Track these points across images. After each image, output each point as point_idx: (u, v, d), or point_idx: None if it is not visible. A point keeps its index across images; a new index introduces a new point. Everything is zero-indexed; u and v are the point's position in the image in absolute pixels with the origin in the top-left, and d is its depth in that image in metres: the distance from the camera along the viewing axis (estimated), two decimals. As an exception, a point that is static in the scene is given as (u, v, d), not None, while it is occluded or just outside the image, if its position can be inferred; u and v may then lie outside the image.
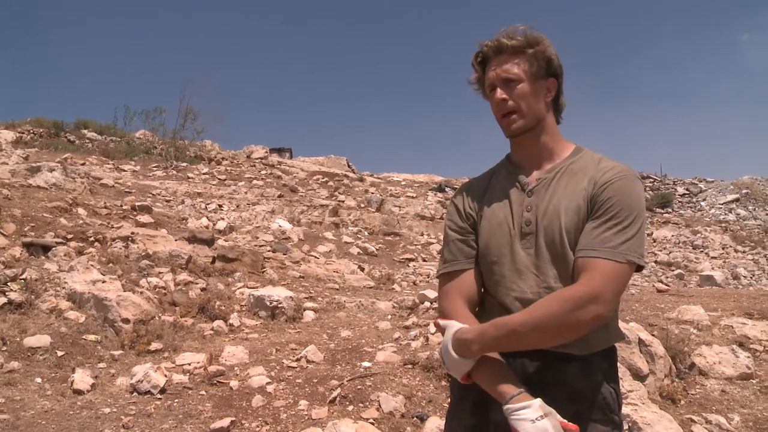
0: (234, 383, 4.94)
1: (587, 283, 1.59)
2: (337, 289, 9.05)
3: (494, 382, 1.64)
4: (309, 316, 7.18)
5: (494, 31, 1.80)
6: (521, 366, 1.72)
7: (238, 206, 15.30)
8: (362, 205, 18.04)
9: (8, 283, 6.09)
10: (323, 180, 21.65)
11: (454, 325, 1.73)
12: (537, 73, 1.76)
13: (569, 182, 1.75)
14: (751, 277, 14.01)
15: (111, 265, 7.30)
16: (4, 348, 5.17)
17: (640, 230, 1.66)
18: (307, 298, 7.97)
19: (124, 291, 6.32)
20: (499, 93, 1.75)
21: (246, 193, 17.13)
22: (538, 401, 1.56)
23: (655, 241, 18.57)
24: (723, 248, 17.78)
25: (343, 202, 18.02)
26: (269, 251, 10.72)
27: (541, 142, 1.82)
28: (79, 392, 4.70)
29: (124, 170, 17.90)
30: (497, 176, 1.91)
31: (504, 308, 1.78)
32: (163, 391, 4.74)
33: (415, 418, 4.30)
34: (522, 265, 1.75)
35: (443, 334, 1.75)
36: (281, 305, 7.04)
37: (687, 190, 27.95)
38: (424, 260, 13.48)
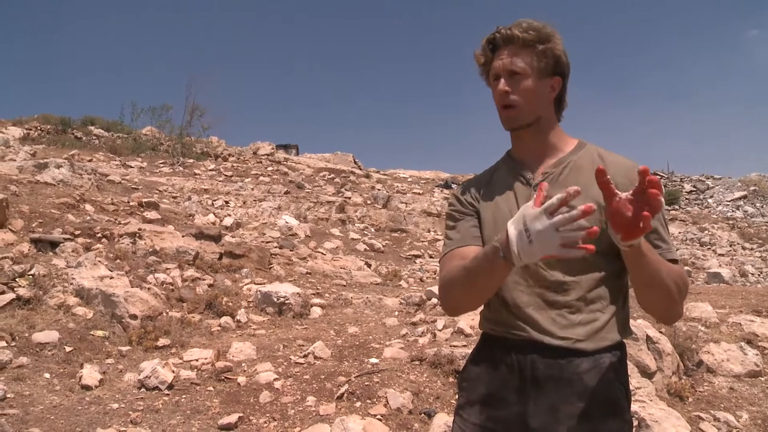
0: (241, 379, 4.95)
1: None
2: (344, 286, 9.06)
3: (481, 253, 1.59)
4: (316, 312, 7.20)
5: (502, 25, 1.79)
6: (531, 363, 1.70)
7: (244, 202, 15.33)
8: (369, 202, 18.03)
9: (16, 279, 6.12)
10: (330, 176, 21.67)
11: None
12: (544, 70, 1.74)
13: (578, 177, 1.73)
14: (759, 275, 13.97)
15: (118, 261, 7.32)
16: (13, 343, 5.20)
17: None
18: (314, 294, 7.98)
19: (132, 287, 6.34)
20: (503, 84, 1.74)
21: (252, 189, 17.16)
22: (513, 221, 1.44)
23: (662, 238, 18.52)
24: (730, 245, 17.74)
25: (350, 198, 18.02)
26: (276, 247, 10.74)
27: (542, 137, 1.81)
28: (87, 388, 4.72)
29: (131, 167, 17.95)
30: (499, 172, 1.90)
31: (506, 304, 1.77)
32: (170, 386, 4.76)
33: (422, 415, 4.30)
34: None
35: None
36: (288, 301, 7.05)
37: (694, 187, 27.87)
38: (430, 257, 13.48)
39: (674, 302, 1.62)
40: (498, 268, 1.53)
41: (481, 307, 1.87)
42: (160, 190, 14.81)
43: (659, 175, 29.79)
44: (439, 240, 15.09)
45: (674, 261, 1.65)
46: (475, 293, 1.70)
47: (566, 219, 1.32)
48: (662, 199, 1.36)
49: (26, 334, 5.36)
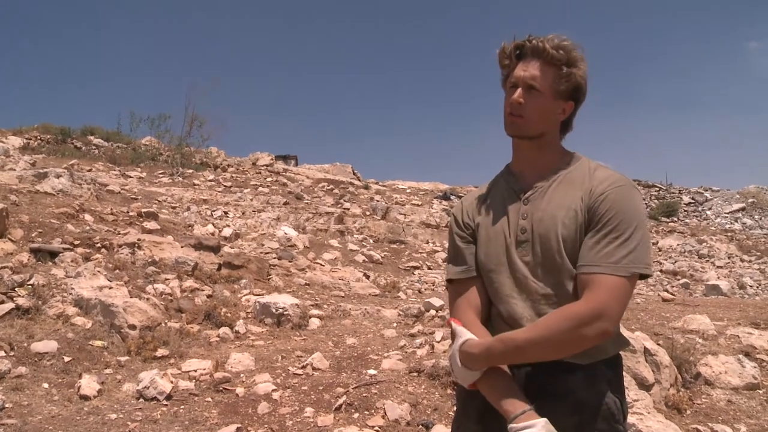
0: (240, 390, 4.95)
1: (592, 300, 1.60)
2: (343, 297, 9.06)
3: (499, 397, 1.66)
4: (314, 323, 7.20)
5: (500, 40, 1.82)
6: (525, 376, 1.73)
7: (243, 213, 15.34)
8: (367, 213, 18.05)
9: (16, 289, 6.12)
10: (328, 187, 21.68)
11: (463, 334, 1.74)
12: (561, 93, 1.76)
13: (566, 191, 1.76)
14: (757, 287, 13.96)
15: (117, 271, 7.32)
16: (12, 353, 5.20)
17: (643, 239, 1.66)
18: (312, 305, 7.98)
19: (131, 297, 6.35)
20: (518, 94, 1.75)
21: (251, 200, 17.17)
22: (543, 422, 1.56)
23: (660, 251, 18.53)
24: (729, 258, 17.73)
25: (349, 209, 18.03)
26: (275, 258, 10.74)
27: (541, 153, 1.83)
28: (85, 398, 4.73)
29: (131, 177, 17.96)
30: (497, 186, 1.93)
31: (502, 318, 1.80)
32: (169, 397, 4.76)
33: (420, 426, 4.30)
34: (519, 273, 1.77)
35: (453, 338, 1.77)
36: (287, 312, 7.05)
37: (693, 199, 27.92)
38: (429, 268, 13.48)
39: (574, 344, 1.63)
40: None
41: None
42: (159, 201, 14.82)
43: (657, 186, 29.83)
44: (438, 251, 15.10)
45: (601, 275, 1.62)
46: None
47: None
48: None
49: (25, 344, 5.36)
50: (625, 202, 1.68)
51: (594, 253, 1.65)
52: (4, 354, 5.13)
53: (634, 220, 1.66)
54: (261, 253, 11.05)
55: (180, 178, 18.99)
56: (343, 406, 4.56)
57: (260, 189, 19.00)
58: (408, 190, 25.48)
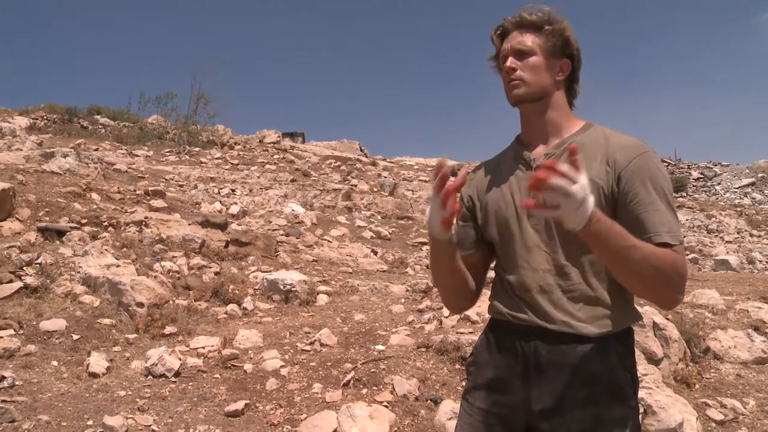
0: (248, 366, 4.97)
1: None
2: (351, 273, 9.06)
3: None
4: (322, 299, 7.20)
5: (509, 15, 1.80)
6: (534, 349, 1.70)
7: (251, 191, 15.33)
8: (375, 189, 18.01)
9: (24, 268, 6.14)
10: (336, 164, 21.61)
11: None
12: (552, 49, 1.74)
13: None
14: (766, 262, 13.91)
15: (125, 249, 7.33)
16: (21, 332, 5.22)
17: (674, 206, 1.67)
18: (320, 281, 7.98)
19: (138, 275, 6.35)
20: (510, 62, 1.74)
21: (259, 177, 17.15)
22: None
23: (669, 225, 18.46)
24: (738, 232, 17.66)
25: (356, 186, 17.99)
26: (282, 235, 10.75)
27: (548, 116, 1.79)
28: (94, 375, 4.74)
29: (137, 155, 17.96)
30: (505, 157, 1.89)
31: (511, 287, 1.77)
32: (177, 374, 4.77)
33: (428, 401, 4.30)
34: (531, 242, 1.73)
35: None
36: (294, 289, 7.05)
37: (702, 174, 27.73)
38: (436, 244, 13.46)
39: (656, 288, 1.57)
40: (431, 242, 1.72)
41: (489, 293, 1.88)
42: (166, 179, 14.83)
43: (666, 162, 29.64)
44: (446, 228, 15.07)
45: (665, 245, 1.56)
46: (439, 278, 1.85)
47: (436, 203, 1.59)
48: (557, 183, 1.35)
49: (34, 323, 5.38)
50: (655, 169, 1.65)
51: (655, 222, 1.59)
52: (14, 332, 5.15)
53: (667, 189, 1.65)
54: (268, 230, 11.05)
55: (187, 156, 18.98)
56: (352, 381, 4.57)
57: (267, 166, 18.97)
58: (415, 167, 25.39)
